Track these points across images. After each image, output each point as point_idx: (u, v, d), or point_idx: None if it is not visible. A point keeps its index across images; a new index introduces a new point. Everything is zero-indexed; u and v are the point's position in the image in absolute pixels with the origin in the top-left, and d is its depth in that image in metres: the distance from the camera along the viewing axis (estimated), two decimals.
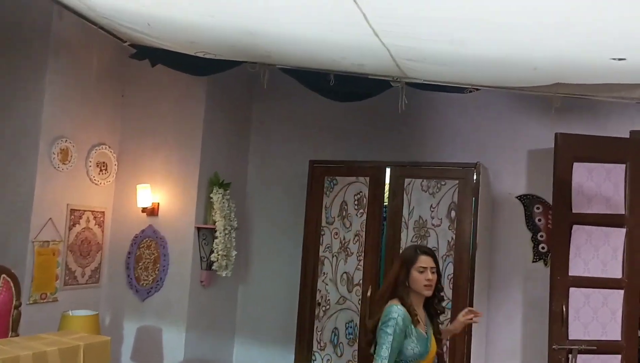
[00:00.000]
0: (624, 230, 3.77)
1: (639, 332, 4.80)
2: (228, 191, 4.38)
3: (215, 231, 4.26)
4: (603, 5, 1.78)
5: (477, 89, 3.17)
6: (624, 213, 3.79)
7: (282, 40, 2.66)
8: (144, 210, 4.32)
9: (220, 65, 3.46)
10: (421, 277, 2.60)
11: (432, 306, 2.71)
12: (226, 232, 4.29)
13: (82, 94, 4.16)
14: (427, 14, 2.15)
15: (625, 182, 3.79)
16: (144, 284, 4.34)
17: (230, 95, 4.68)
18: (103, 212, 4.39)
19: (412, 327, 2.54)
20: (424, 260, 2.61)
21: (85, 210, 4.24)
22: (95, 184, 4.30)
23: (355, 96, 3.61)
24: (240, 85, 4.72)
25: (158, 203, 4.35)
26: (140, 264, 4.36)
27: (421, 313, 2.66)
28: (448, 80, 3.01)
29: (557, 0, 1.84)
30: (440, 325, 2.77)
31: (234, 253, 4.37)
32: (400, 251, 3.89)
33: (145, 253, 4.35)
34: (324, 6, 2.17)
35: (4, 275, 3.37)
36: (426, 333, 2.64)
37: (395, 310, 2.53)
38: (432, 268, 2.61)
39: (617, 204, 3.80)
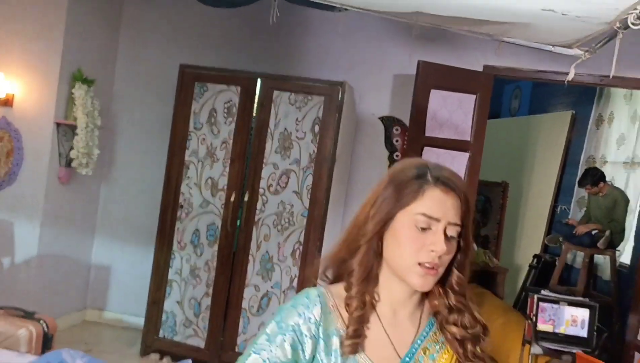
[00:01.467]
0: (467, 155, 4.17)
1: None
2: (92, 88, 4.20)
3: (77, 128, 4.12)
4: None
5: (347, 9, 3.26)
6: (469, 140, 4.17)
7: None
8: None
9: None
10: (417, 241, 1.09)
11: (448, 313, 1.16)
12: (88, 129, 4.15)
13: None
14: None
15: (474, 111, 4.15)
16: None
17: None
18: None
19: (335, 346, 1.10)
20: (436, 200, 1.09)
21: None
22: None
23: (228, 3, 3.56)
24: None
25: (13, 94, 4.09)
26: None
27: (406, 327, 1.16)
28: None
29: None
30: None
31: (96, 152, 4.27)
32: (265, 162, 4.05)
33: None
34: None
35: None
36: None
37: (300, 300, 1.12)
38: (450, 225, 1.09)
39: (465, 131, 4.16)
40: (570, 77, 2.83)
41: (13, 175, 4.13)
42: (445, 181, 1.11)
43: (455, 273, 1.15)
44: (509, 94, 8.02)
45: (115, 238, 4.83)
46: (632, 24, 2.26)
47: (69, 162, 4.20)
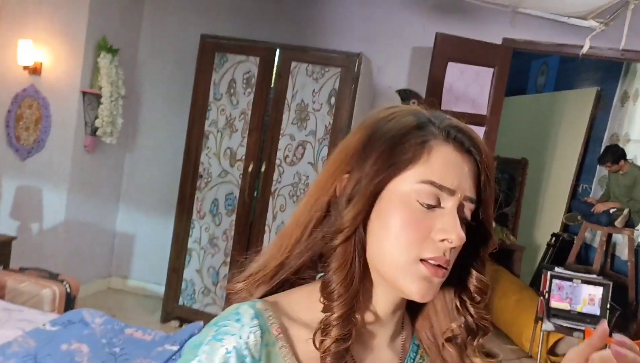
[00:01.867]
0: (483, 129, 4.17)
1: None
2: (116, 57, 4.31)
3: (101, 97, 4.24)
4: None
5: None
6: (485, 114, 4.18)
7: None
8: (25, 68, 4.18)
9: None
10: (420, 226, 0.70)
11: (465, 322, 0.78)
12: (112, 99, 4.27)
13: None
14: None
15: (491, 85, 4.15)
16: (25, 144, 4.30)
17: None
18: None
19: None
20: (449, 163, 0.71)
21: None
22: None
23: None
24: None
25: (42, 62, 4.22)
26: (20, 123, 4.29)
27: (385, 356, 0.78)
28: None
29: None
30: None
31: (120, 121, 4.39)
32: (282, 133, 4.12)
33: (27, 113, 4.27)
34: None
35: None
36: None
37: (227, 327, 0.69)
38: (467, 201, 0.72)
39: (481, 105, 4.17)
40: (585, 49, 2.82)
41: (41, 142, 4.28)
42: (460, 136, 0.73)
43: (475, 275, 0.77)
44: (535, 70, 7.91)
45: (139, 207, 4.98)
46: None
47: (94, 131, 4.33)
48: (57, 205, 4.33)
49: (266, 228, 4.13)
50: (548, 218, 6.35)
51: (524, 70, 8.04)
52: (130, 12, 4.67)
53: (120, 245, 5.01)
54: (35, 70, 4.20)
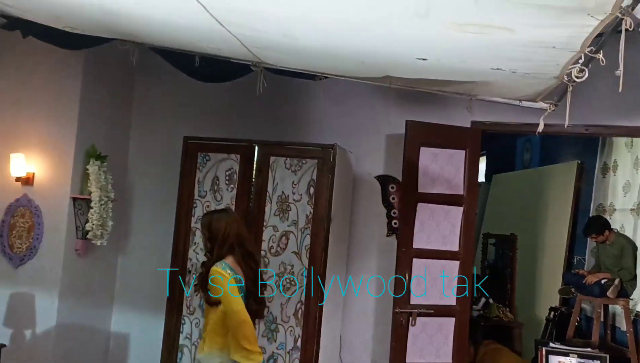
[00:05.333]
0: (461, 209, 4.27)
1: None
2: (105, 163, 4.51)
3: (91, 201, 4.40)
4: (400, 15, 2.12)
5: (326, 77, 3.50)
6: (462, 193, 4.29)
7: (135, 20, 2.86)
8: (18, 179, 4.38)
9: (92, 40, 3.58)
10: None
11: None
12: (102, 202, 4.43)
13: None
14: (259, 8, 2.43)
15: (465, 166, 4.29)
16: (18, 252, 4.42)
17: (110, 70, 4.76)
18: None
19: None
20: None
21: None
22: None
23: (220, 78, 3.85)
24: (121, 61, 4.82)
25: (33, 173, 4.42)
26: (14, 232, 4.43)
27: None
28: (297, 67, 3.32)
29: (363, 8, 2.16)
30: None
31: (110, 223, 4.52)
32: (265, 224, 4.22)
33: (20, 222, 4.41)
34: None
35: None
36: None
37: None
38: None
39: (457, 185, 4.29)
40: (540, 128, 2.96)
41: (34, 249, 4.40)
42: None
43: None
44: (521, 148, 8.12)
45: (134, 307, 5.01)
46: (576, 77, 2.41)
47: (85, 234, 4.46)
48: (48, 310, 4.38)
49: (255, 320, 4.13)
50: (546, 292, 6.31)
51: (510, 148, 8.26)
52: (119, 119, 4.93)
53: (115, 346, 5.00)
54: (27, 181, 4.39)
